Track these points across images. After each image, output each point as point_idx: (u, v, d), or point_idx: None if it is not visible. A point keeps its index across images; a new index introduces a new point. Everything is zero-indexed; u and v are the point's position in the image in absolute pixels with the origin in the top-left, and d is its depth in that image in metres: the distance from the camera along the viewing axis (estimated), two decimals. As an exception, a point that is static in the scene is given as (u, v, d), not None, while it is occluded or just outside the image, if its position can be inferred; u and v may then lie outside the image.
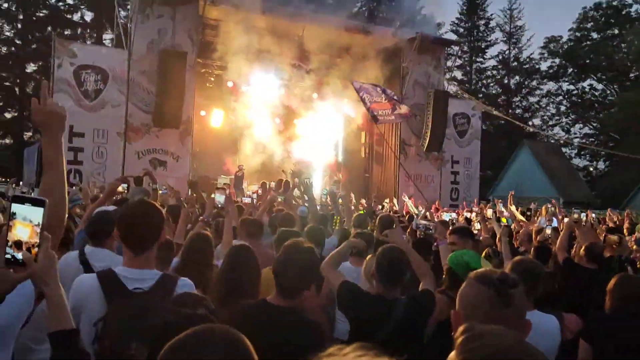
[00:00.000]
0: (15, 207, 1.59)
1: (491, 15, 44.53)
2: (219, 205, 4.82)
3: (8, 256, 1.58)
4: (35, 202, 1.61)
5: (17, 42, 31.49)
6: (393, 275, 3.29)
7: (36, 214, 1.60)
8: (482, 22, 44.56)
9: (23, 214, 1.59)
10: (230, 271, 3.31)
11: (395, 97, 17.78)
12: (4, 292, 1.63)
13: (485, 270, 1.71)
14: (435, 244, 5.13)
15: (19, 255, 1.58)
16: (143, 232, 2.48)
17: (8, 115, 31.87)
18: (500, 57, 44.34)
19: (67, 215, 2.10)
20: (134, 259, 2.47)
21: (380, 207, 13.86)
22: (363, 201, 15.07)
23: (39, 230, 1.60)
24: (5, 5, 31.25)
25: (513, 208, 9.71)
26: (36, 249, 1.60)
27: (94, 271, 2.61)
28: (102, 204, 4.56)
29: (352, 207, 9.05)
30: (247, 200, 9.94)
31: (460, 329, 1.07)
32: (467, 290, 1.66)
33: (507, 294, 1.60)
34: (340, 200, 9.17)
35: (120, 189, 4.96)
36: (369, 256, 4.02)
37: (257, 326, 2.50)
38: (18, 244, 1.58)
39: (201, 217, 5.07)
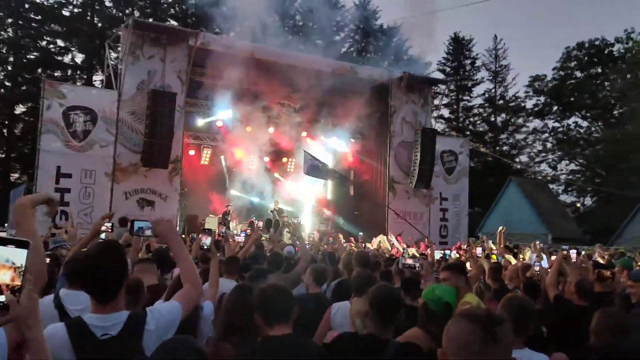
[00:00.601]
0: None
1: (477, 54, 45.63)
2: (205, 247, 4.81)
3: None
4: (19, 244, 1.57)
5: (7, 84, 31.63)
6: (387, 315, 3.26)
7: (19, 256, 1.56)
8: (468, 61, 45.55)
9: (5, 256, 1.55)
10: (230, 313, 3.34)
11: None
12: None
13: (472, 308, 1.70)
14: (422, 281, 5.11)
15: (1, 298, 1.54)
16: (104, 284, 2.43)
17: (-5, 157, 31.81)
18: (487, 96, 45.19)
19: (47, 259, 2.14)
20: (101, 307, 2.43)
21: (364, 245, 13.78)
22: (352, 240, 15.02)
23: (21, 273, 1.57)
24: (-4, 47, 31.58)
25: (498, 246, 9.71)
26: (18, 293, 1.56)
27: (69, 315, 2.56)
28: (86, 244, 4.50)
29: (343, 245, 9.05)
30: (239, 239, 9.87)
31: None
32: (454, 327, 1.64)
33: (493, 331, 1.58)
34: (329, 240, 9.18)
35: (103, 227, 4.90)
36: (354, 298, 4.01)
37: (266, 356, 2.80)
38: None
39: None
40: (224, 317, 3.39)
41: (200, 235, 5.12)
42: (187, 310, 2.69)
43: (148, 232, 3.06)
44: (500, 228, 10.88)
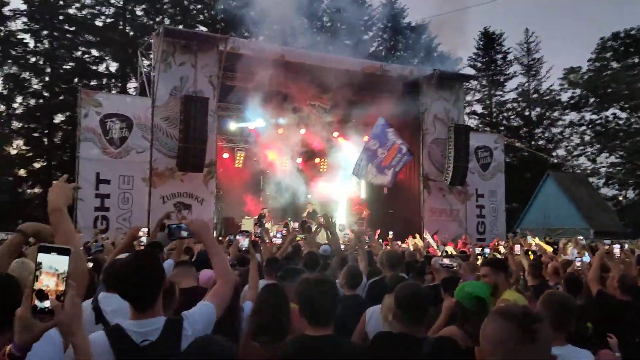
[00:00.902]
0: (42, 257, 1.61)
1: (508, 49, 44.76)
2: (243, 249, 4.85)
3: (35, 305, 1.59)
4: (61, 251, 1.63)
5: (45, 94, 32.50)
6: (416, 312, 3.24)
7: (62, 262, 1.61)
8: (500, 55, 44.77)
9: (49, 264, 1.61)
10: (260, 313, 3.36)
11: (394, 138, 17.76)
12: (31, 341, 1.64)
13: (509, 305, 1.68)
14: (461, 280, 5.03)
15: (45, 304, 1.59)
16: (141, 291, 2.46)
17: (37, 165, 32.65)
18: (520, 90, 44.32)
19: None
20: (140, 314, 2.47)
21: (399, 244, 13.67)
22: (388, 239, 14.90)
23: (64, 279, 1.62)
24: (33, 59, 32.44)
25: (537, 240, 9.55)
26: (62, 298, 1.61)
27: (105, 317, 2.61)
28: (123, 250, 4.60)
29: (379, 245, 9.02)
30: (277, 240, 9.94)
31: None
32: (490, 325, 1.62)
33: (530, 329, 1.56)
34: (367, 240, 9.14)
35: (141, 233, 5.00)
36: (386, 295, 3.98)
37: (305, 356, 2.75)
38: (40, 293, 1.59)
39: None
40: (253, 316, 3.42)
41: (237, 237, 5.16)
42: (221, 308, 2.72)
43: (184, 234, 3.14)
44: (527, 231, 10.70)
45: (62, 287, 1.61)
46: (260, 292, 3.67)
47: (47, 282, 1.60)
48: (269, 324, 3.22)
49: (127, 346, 2.35)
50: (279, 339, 3.19)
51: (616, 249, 6.26)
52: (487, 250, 9.55)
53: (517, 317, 1.59)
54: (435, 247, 11.73)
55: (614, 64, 41.07)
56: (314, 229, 10.99)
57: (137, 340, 2.38)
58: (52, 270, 1.61)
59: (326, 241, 8.65)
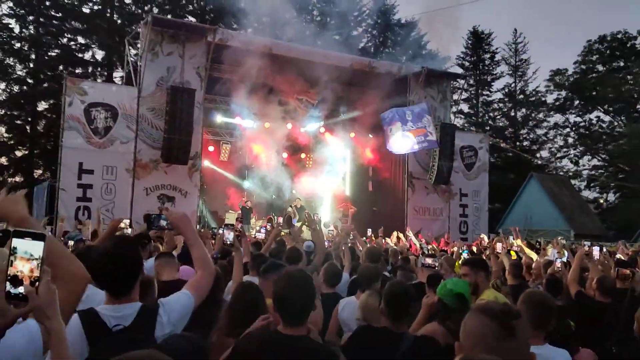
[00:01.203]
0: (16, 242, 1.60)
1: (496, 49, 45.01)
2: (228, 242, 4.86)
3: (8, 290, 1.59)
4: (36, 237, 1.62)
5: (29, 81, 32.06)
6: (400, 310, 3.31)
7: (37, 248, 1.60)
8: (487, 55, 45.02)
9: (24, 249, 1.60)
10: (234, 309, 3.36)
11: (426, 124, 17.64)
12: (4, 326, 1.63)
13: (489, 302, 1.71)
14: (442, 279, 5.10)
15: (19, 290, 1.59)
16: (116, 279, 2.46)
17: (19, 153, 32.20)
18: (507, 90, 44.65)
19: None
20: (115, 299, 2.46)
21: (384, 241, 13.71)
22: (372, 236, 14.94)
23: (39, 265, 1.61)
24: (18, 45, 31.97)
25: (518, 241, 9.65)
26: (37, 284, 1.60)
27: None
28: (104, 241, 4.58)
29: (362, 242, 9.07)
30: (260, 235, 9.94)
31: (458, 358, 1.07)
32: (470, 321, 1.65)
33: (510, 325, 1.59)
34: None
35: (122, 224, 4.97)
36: (366, 292, 4.08)
37: (272, 356, 2.61)
38: (14, 279, 1.58)
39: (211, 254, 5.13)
40: (228, 312, 3.41)
41: (222, 231, 5.19)
42: (200, 299, 2.71)
43: (163, 223, 3.12)
44: (512, 229, 10.79)
45: (36, 273, 1.60)
46: (236, 288, 3.68)
47: (22, 267, 1.60)
48: (243, 319, 3.19)
49: (100, 330, 2.34)
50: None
51: (595, 251, 6.36)
52: (466, 251, 9.63)
53: (496, 313, 1.62)
54: (418, 246, 11.80)
55: (600, 67, 41.53)
56: (298, 224, 11.00)
57: (110, 324, 2.36)
58: (26, 255, 1.60)
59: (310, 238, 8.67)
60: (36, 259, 1.61)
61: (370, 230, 14.85)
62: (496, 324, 1.58)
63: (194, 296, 2.65)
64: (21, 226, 2.09)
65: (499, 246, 7.41)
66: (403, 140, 17.60)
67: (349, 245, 8.25)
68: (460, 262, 6.06)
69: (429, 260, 5.72)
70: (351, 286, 5.90)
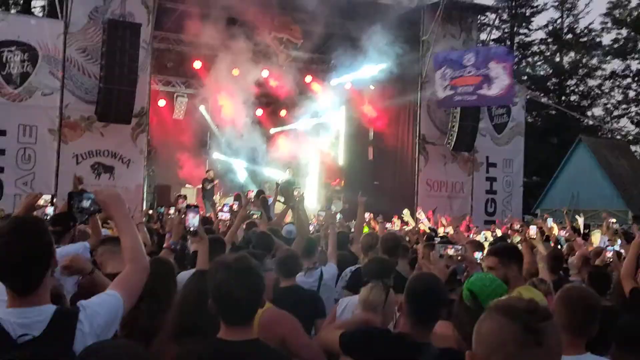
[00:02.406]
0: None
1: (539, -28, 44.74)
2: (191, 229, 4.63)
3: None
4: None
5: None
6: (427, 312, 3.35)
7: None
8: (527, -18, 44.80)
9: None
10: (180, 307, 3.37)
11: (489, 70, 17.29)
12: None
13: (509, 299, 1.72)
14: (465, 274, 5.10)
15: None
16: (17, 269, 2.39)
17: None
18: (551, 28, 44.49)
19: None
20: (19, 299, 2.41)
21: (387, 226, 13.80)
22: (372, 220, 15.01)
23: None
24: None
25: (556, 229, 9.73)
26: None
27: None
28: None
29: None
30: (224, 215, 9.95)
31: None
32: (486, 324, 1.65)
33: (536, 329, 1.60)
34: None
35: (41, 201, 4.95)
36: (368, 285, 4.13)
37: None
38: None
39: (165, 245, 5.09)
40: (175, 313, 3.40)
41: (183, 213, 5.01)
42: (131, 298, 2.70)
43: (86, 204, 2.94)
44: (564, 209, 10.92)
45: None
46: (187, 282, 3.64)
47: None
48: (197, 323, 3.19)
49: (1, 342, 2.28)
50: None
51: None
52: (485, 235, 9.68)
53: (519, 313, 1.61)
54: (427, 229, 11.92)
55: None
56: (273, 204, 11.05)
57: (14, 334, 2.30)
58: None
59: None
60: None
61: (368, 214, 14.89)
62: (518, 327, 1.59)
63: (122, 297, 2.63)
64: None
65: (532, 230, 7.26)
66: (442, 90, 17.62)
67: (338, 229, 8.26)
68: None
69: (450, 251, 5.29)
70: (350, 281, 5.95)
